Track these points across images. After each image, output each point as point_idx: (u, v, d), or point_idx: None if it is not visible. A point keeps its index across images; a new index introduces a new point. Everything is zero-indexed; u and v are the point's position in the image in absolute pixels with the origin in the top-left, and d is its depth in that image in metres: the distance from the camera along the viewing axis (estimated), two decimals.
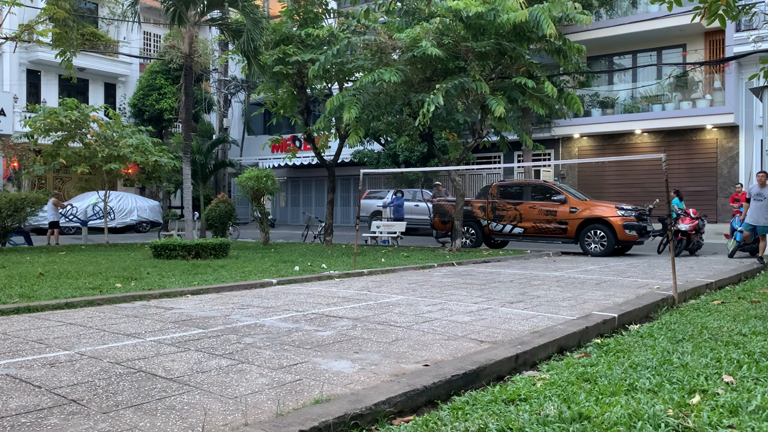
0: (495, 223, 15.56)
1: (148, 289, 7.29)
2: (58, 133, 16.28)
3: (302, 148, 27.32)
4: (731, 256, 13.68)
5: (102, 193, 18.58)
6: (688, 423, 2.88)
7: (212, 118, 33.63)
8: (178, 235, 18.14)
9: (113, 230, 23.96)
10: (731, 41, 20.02)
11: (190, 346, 4.53)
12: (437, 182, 21.10)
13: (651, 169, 21.60)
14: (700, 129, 21.51)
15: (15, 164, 24.57)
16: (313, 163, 27.24)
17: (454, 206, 15.52)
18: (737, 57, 19.09)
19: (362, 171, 12.81)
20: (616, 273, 10.19)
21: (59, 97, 27.76)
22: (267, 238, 17.17)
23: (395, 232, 17.33)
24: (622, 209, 14.23)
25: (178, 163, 17.58)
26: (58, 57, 17.43)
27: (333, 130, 18.08)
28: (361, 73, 14.98)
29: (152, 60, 30.24)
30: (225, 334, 5.01)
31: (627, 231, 13.95)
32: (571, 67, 14.98)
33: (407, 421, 3.04)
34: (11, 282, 7.89)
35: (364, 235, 18.20)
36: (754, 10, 8.94)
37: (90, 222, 20.83)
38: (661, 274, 9.93)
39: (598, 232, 14.20)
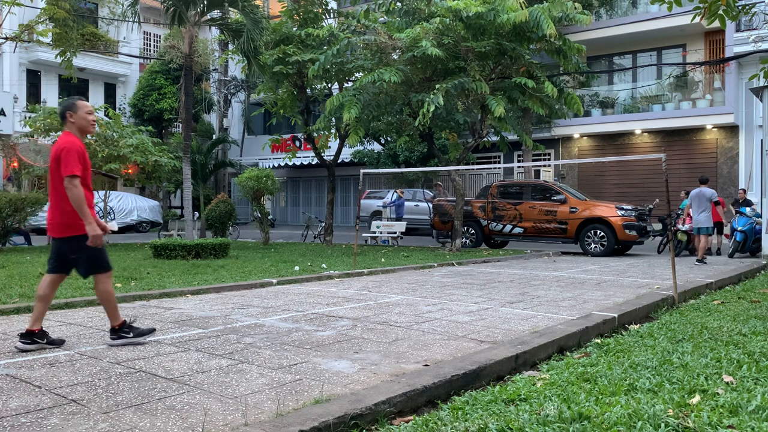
0: (495, 223, 15.56)
1: (148, 289, 7.29)
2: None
3: (302, 148, 27.30)
4: (731, 256, 13.68)
5: (102, 193, 18.58)
6: (688, 423, 2.87)
7: (212, 118, 33.63)
8: (178, 235, 18.13)
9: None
10: (731, 41, 20.01)
11: (190, 346, 4.53)
12: (438, 182, 21.08)
13: (651, 169, 21.59)
14: (700, 129, 21.51)
15: (15, 164, 24.56)
16: (313, 163, 27.23)
17: (454, 206, 15.52)
18: (737, 57, 19.08)
19: (362, 171, 12.82)
20: (616, 273, 10.19)
21: (59, 97, 27.80)
22: (267, 238, 17.16)
23: (395, 232, 17.33)
24: (622, 209, 14.23)
25: (178, 163, 17.57)
26: (58, 57, 17.41)
27: (333, 130, 18.07)
28: (361, 73, 14.97)
29: (152, 60, 30.23)
30: (225, 334, 5.01)
31: (627, 231, 13.94)
32: (571, 67, 14.98)
33: (407, 421, 3.04)
34: (11, 282, 7.88)
35: (364, 235, 18.19)
36: (754, 10, 8.94)
37: None
38: (661, 274, 9.92)
39: (598, 232, 14.19)
